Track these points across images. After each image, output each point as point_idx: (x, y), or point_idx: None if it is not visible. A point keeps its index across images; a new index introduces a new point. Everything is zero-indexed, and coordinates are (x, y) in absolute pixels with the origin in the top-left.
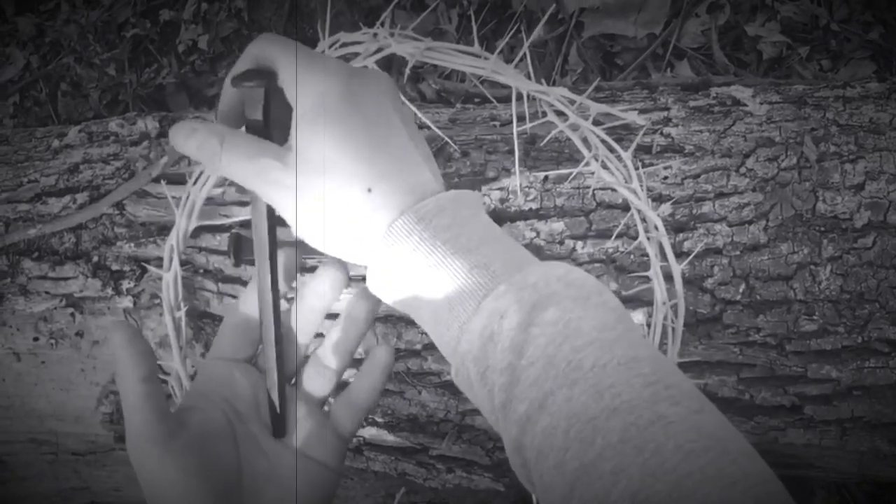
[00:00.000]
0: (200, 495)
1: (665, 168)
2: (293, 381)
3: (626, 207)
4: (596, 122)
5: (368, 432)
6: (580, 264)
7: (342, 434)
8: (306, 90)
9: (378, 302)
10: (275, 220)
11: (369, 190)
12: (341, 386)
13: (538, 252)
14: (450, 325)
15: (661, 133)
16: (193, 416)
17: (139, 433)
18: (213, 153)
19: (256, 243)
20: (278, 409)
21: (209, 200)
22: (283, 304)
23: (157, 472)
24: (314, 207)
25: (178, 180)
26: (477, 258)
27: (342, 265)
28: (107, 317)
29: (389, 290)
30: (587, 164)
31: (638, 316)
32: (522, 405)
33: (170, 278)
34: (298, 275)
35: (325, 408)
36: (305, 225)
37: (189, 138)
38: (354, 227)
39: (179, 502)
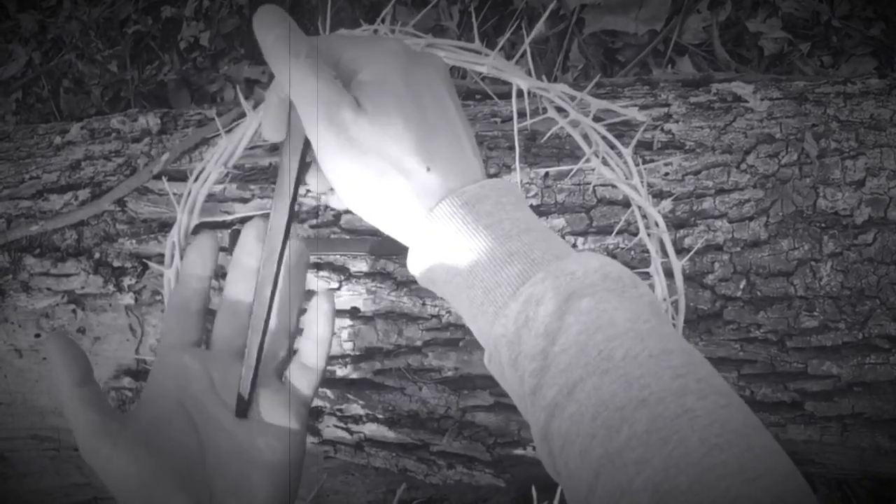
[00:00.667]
0: (159, 482)
1: (666, 164)
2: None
3: (626, 204)
4: (596, 119)
5: (369, 428)
6: None
7: (300, 395)
8: (370, 67)
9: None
10: (294, 213)
11: (428, 169)
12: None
13: None
14: (485, 308)
15: (662, 129)
16: (143, 409)
17: (85, 434)
18: (295, 54)
19: (271, 228)
20: (246, 396)
21: (210, 197)
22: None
23: (110, 467)
24: (368, 174)
25: (180, 177)
26: (517, 245)
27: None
28: (108, 313)
29: (428, 272)
30: (588, 160)
31: None
32: (552, 391)
33: (171, 275)
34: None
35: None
36: (348, 180)
37: (273, 28)
38: (404, 203)
39: (141, 492)
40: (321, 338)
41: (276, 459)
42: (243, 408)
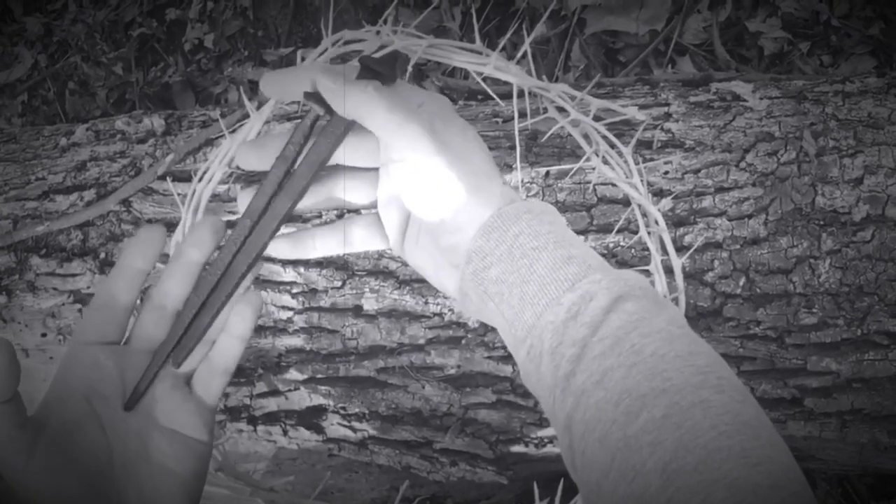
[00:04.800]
0: (71, 488)
1: (665, 163)
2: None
3: (626, 202)
4: (597, 118)
5: (373, 426)
6: None
7: (206, 403)
8: (433, 102)
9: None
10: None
11: (504, 182)
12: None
13: None
14: (537, 300)
15: (662, 128)
16: (53, 411)
17: (2, 450)
18: (362, 89)
19: (253, 227)
20: (141, 389)
21: (214, 197)
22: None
23: (24, 480)
24: (462, 172)
25: (184, 177)
26: (576, 251)
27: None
28: None
29: (483, 269)
30: (588, 159)
31: None
32: (583, 376)
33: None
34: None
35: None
36: (423, 179)
37: (328, 74)
38: (484, 203)
39: (55, 501)
40: (238, 334)
41: (184, 469)
42: (135, 399)
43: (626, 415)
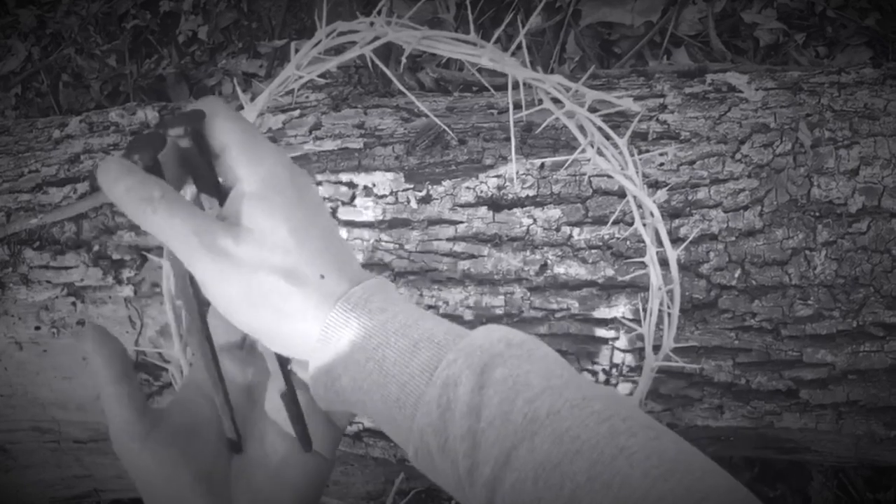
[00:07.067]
0: (183, 484)
1: (661, 155)
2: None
3: (622, 194)
4: (592, 110)
5: (368, 419)
6: (577, 250)
7: (338, 424)
8: (256, 168)
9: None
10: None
11: (322, 276)
12: None
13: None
14: (403, 402)
15: (657, 120)
16: (178, 409)
17: (116, 431)
18: (149, 199)
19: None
20: (235, 438)
21: None
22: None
23: (138, 465)
24: (259, 292)
25: None
26: (418, 333)
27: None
28: (108, 305)
29: (334, 383)
30: (583, 151)
31: (634, 302)
32: (487, 467)
33: (170, 267)
34: None
35: None
36: (238, 304)
37: (120, 179)
38: (301, 315)
39: (164, 492)
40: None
41: (302, 481)
42: (237, 447)
43: (549, 489)
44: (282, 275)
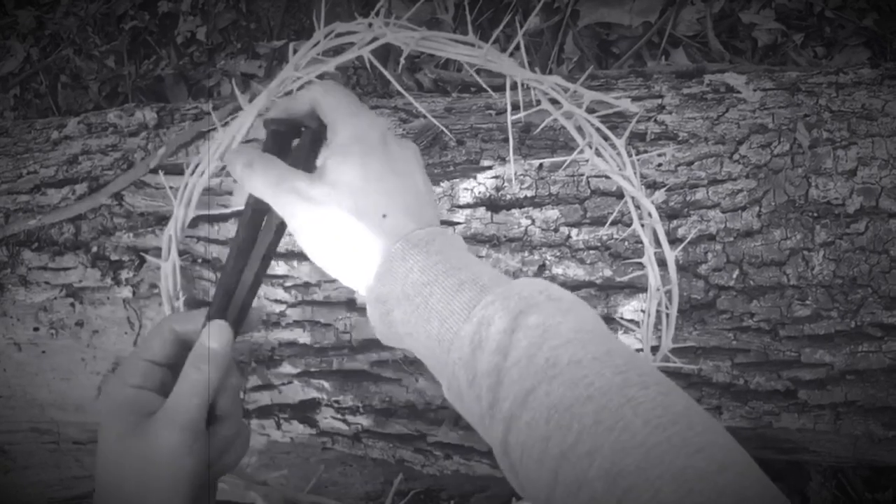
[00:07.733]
0: (181, 475)
1: (659, 155)
2: None
3: (620, 195)
4: (590, 110)
5: (366, 419)
6: (575, 251)
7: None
8: (351, 124)
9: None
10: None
11: (384, 216)
12: None
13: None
14: (441, 337)
15: (655, 120)
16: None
17: (184, 411)
18: (248, 163)
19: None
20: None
21: (207, 190)
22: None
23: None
24: (329, 225)
25: (176, 171)
26: (466, 274)
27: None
28: (106, 306)
29: (387, 315)
30: (581, 151)
31: (632, 302)
32: (507, 403)
33: (168, 268)
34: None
35: None
36: (314, 238)
37: (240, 157)
38: (362, 247)
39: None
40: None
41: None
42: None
43: (559, 429)
44: (350, 211)
